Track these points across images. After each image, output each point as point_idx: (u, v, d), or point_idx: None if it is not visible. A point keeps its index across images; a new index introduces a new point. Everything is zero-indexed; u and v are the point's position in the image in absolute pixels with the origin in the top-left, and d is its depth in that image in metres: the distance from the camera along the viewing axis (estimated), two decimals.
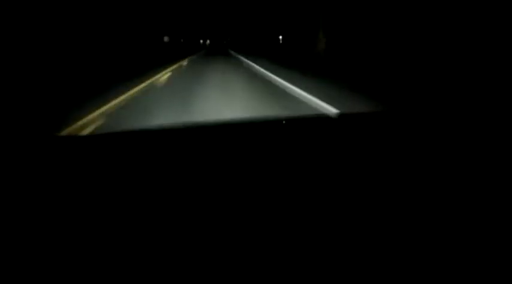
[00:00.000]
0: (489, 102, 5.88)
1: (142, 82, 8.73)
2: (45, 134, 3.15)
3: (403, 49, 13.78)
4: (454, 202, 0.63)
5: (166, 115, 5.08)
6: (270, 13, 48.99)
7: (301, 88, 7.30)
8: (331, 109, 5.20)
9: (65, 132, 4.07)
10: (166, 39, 42.51)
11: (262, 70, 12.02)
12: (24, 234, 0.55)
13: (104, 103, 5.75)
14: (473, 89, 7.12)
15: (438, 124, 1.28)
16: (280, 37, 52.39)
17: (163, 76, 10.81)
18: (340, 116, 2.01)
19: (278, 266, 0.48)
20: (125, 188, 0.72)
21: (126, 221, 0.59)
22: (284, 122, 1.50)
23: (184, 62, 17.61)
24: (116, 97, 6.46)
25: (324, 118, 1.92)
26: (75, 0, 20.13)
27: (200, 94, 7.02)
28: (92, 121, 4.70)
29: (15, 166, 0.83)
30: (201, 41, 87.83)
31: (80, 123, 4.56)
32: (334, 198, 0.66)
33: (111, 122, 4.72)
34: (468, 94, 6.66)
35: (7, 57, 11.97)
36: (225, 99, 6.72)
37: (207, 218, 0.59)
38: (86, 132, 4.21)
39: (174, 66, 14.42)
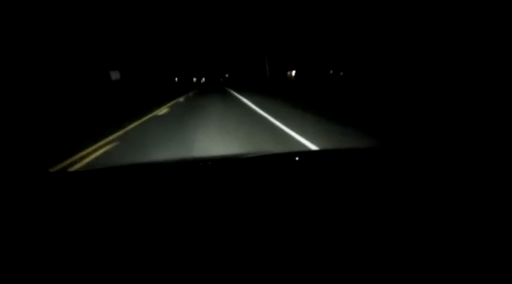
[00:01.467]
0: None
1: None
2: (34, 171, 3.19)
3: None
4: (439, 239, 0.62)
5: None
6: (279, 45, 37.78)
7: None
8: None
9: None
10: (115, 76, 25.18)
11: None
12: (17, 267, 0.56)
13: None
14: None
15: (421, 162, 1.22)
16: (294, 72, 41.26)
17: None
18: (322, 152, 2.11)
19: None
20: (114, 224, 0.72)
21: (115, 257, 0.58)
22: (268, 158, 1.49)
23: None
24: None
25: (306, 153, 2.05)
26: None
27: None
28: None
29: (7, 201, 0.87)
30: (195, 79, 75.36)
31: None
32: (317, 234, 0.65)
33: None
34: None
35: None
36: None
37: (200, 258, 0.58)
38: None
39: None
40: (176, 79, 61.54)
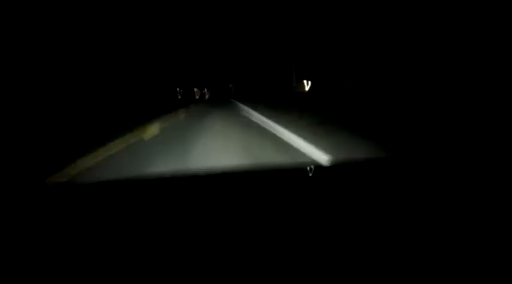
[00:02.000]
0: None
1: None
2: (34, 181, 3.62)
3: None
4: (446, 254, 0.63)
5: None
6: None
7: None
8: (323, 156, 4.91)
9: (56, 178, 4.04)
10: None
11: None
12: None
13: None
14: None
15: (429, 172, 1.25)
16: (306, 82, 37.05)
17: None
18: (331, 165, 2.10)
19: None
20: (110, 236, 0.72)
21: (112, 269, 0.58)
22: (275, 171, 1.60)
23: None
24: None
25: (315, 166, 2.10)
26: None
27: None
28: None
29: (5, 212, 0.89)
30: (197, 93, 68.83)
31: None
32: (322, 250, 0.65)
33: None
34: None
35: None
36: None
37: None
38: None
39: None
40: (179, 90, 55.71)
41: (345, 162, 1.75)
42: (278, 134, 7.54)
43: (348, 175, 1.30)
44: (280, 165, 1.69)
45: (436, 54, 14.14)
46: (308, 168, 1.43)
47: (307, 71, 34.43)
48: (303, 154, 5.32)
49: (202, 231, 0.70)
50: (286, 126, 7.94)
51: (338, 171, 1.47)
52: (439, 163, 1.33)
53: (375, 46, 20.88)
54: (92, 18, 21.24)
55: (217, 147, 6.47)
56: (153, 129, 9.61)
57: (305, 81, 36.42)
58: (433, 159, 1.52)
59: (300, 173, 1.46)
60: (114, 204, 0.94)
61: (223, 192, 1.05)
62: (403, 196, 0.91)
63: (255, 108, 15.29)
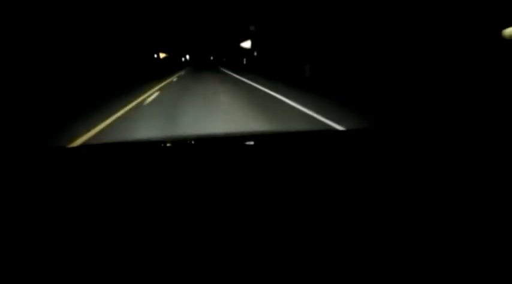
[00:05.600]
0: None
1: None
2: (38, 145, 3.53)
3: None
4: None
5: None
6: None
7: None
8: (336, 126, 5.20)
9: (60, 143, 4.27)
10: None
11: None
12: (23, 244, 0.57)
13: None
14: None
15: (444, 139, 1.25)
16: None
17: None
18: (347, 131, 2.02)
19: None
20: (114, 200, 0.73)
21: (115, 234, 0.60)
22: (289, 136, 1.52)
23: None
24: None
25: (330, 132, 2.10)
26: None
27: None
28: None
29: (17, 176, 0.89)
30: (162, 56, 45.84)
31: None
32: (337, 214, 0.65)
33: None
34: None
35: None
36: None
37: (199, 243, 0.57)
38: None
39: None
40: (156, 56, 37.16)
41: (362, 128, 1.74)
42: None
43: (369, 140, 1.30)
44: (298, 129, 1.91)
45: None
46: (328, 132, 1.48)
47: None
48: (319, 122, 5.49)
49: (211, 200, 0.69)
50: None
51: (359, 136, 1.42)
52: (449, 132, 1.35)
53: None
54: None
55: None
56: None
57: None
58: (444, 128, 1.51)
59: (319, 137, 1.45)
60: (112, 168, 0.95)
61: (231, 158, 1.03)
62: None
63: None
